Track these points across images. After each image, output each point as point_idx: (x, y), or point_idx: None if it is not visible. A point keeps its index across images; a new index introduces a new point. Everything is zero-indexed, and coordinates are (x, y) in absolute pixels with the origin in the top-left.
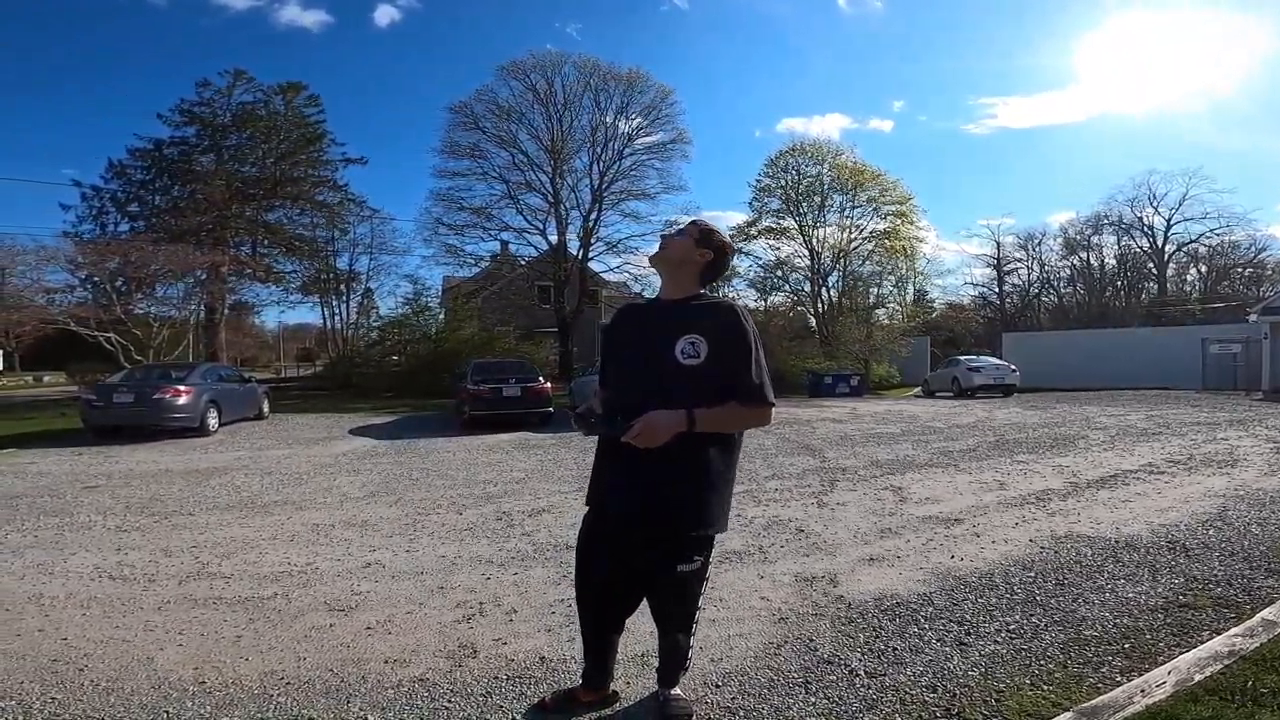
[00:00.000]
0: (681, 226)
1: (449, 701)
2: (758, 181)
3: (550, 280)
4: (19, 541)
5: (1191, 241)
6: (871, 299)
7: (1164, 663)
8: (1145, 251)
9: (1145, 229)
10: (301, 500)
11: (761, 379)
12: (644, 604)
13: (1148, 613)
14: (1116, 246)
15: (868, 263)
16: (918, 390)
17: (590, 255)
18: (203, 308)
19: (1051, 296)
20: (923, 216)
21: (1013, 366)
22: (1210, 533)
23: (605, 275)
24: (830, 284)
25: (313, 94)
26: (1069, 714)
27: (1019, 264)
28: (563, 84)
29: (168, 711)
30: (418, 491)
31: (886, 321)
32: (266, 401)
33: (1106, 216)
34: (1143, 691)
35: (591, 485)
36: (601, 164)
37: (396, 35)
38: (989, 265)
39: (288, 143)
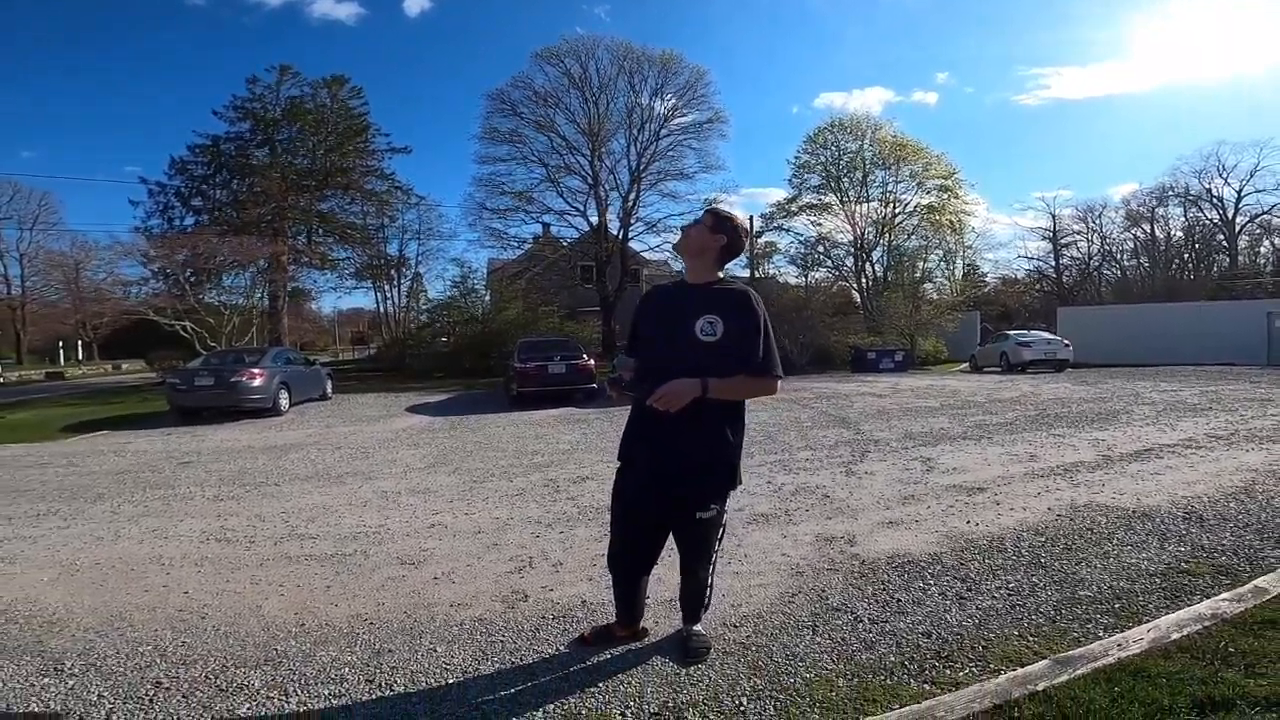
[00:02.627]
0: (698, 218)
1: (503, 637)
2: (796, 158)
3: (592, 260)
4: (133, 511)
5: (1264, 213)
6: (918, 274)
7: (1147, 622)
8: (1214, 224)
9: (1214, 200)
10: (370, 471)
11: (768, 355)
12: (673, 556)
13: (1145, 577)
14: (1183, 219)
15: (913, 237)
16: (965, 366)
17: (630, 235)
18: (266, 295)
19: (1113, 270)
20: (970, 190)
21: (1065, 341)
22: (1231, 505)
23: (645, 254)
24: (874, 259)
25: (356, 86)
26: (1046, 662)
27: (1077, 237)
28: (597, 68)
29: (276, 649)
30: (473, 462)
31: (934, 296)
32: (330, 383)
33: (1172, 188)
34: (1119, 646)
35: (623, 443)
36: (639, 145)
37: (427, 23)
38: (1044, 238)
39: (335, 134)
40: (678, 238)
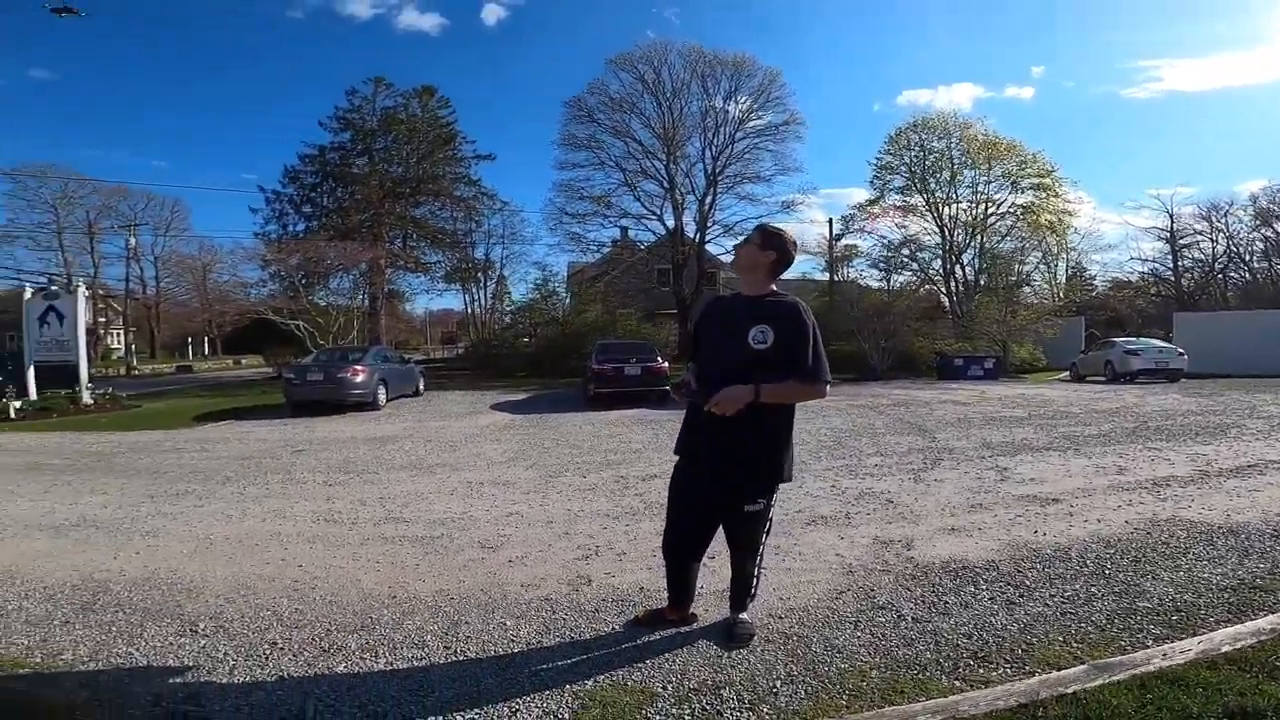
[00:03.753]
0: (747, 236)
1: (566, 615)
2: (878, 159)
3: (669, 264)
4: (256, 493)
5: None
6: (1014, 277)
7: (1201, 634)
8: None
9: None
10: (457, 463)
11: (817, 362)
12: (727, 550)
13: (1213, 591)
14: None
15: (1008, 239)
16: (1065, 374)
17: (707, 239)
18: (366, 297)
19: (1241, 273)
20: (1071, 188)
21: (1180, 350)
22: None
23: (722, 257)
24: (965, 262)
25: (443, 96)
26: (1084, 666)
27: (1199, 237)
28: (669, 72)
29: (371, 616)
30: (549, 458)
31: (1032, 301)
32: (422, 380)
33: None
34: (1164, 655)
35: (680, 438)
36: (714, 149)
37: (505, 32)
38: (1160, 238)
39: (426, 143)
40: (736, 258)
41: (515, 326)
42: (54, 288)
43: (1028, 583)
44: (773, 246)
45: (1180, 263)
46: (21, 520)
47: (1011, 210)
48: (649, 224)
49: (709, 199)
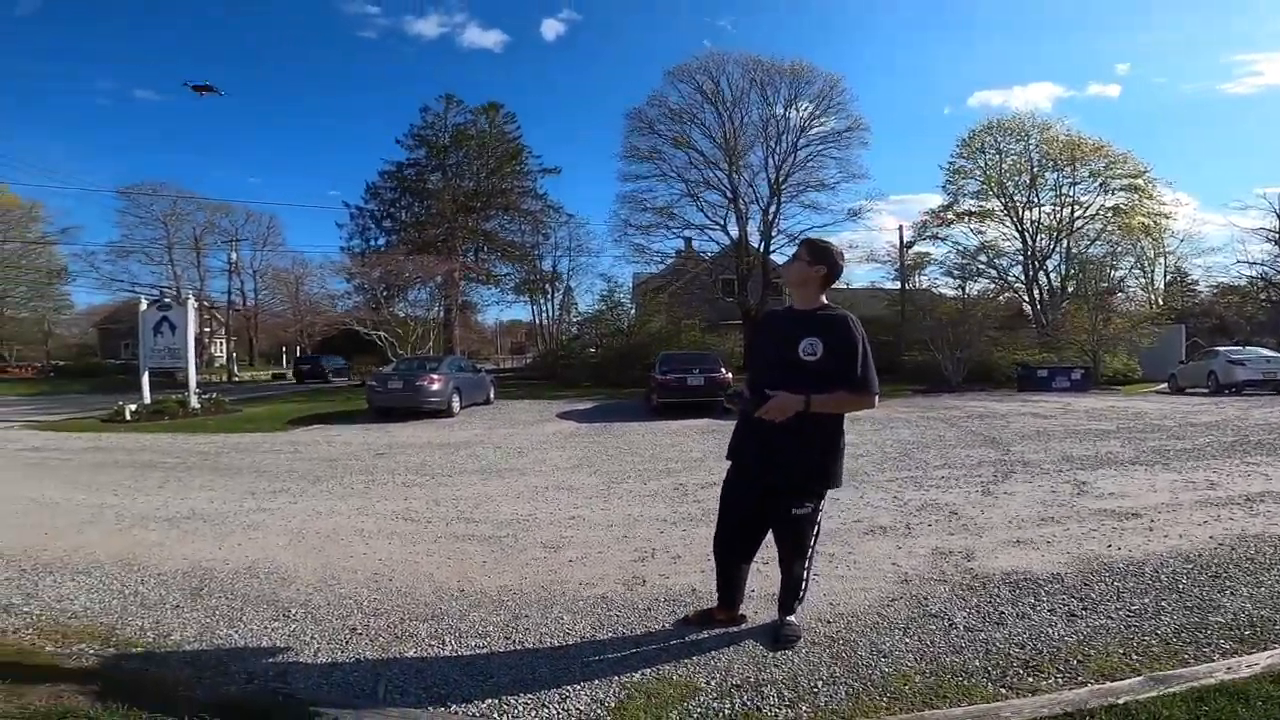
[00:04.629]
0: (795, 252)
1: (621, 612)
2: (950, 164)
3: (733, 274)
4: (343, 491)
5: None
6: (1106, 283)
7: (1273, 649)
8: None
9: None
10: (524, 468)
11: (866, 373)
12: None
13: None
14: None
15: (1097, 243)
16: (1163, 386)
17: (771, 248)
18: (441, 308)
19: None
20: (1167, 189)
21: None
22: None
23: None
24: (1049, 268)
25: (509, 111)
26: (1140, 678)
27: None
28: (728, 82)
29: (440, 608)
30: (612, 465)
31: (1126, 308)
32: (492, 389)
33: None
34: (1228, 669)
35: (732, 444)
36: (776, 157)
37: (564, 46)
38: (1270, 240)
39: (494, 158)
40: (786, 273)
41: (581, 337)
42: (167, 300)
43: (1093, 596)
44: (822, 261)
45: None
46: (139, 513)
47: (1101, 213)
48: (713, 234)
49: (773, 208)
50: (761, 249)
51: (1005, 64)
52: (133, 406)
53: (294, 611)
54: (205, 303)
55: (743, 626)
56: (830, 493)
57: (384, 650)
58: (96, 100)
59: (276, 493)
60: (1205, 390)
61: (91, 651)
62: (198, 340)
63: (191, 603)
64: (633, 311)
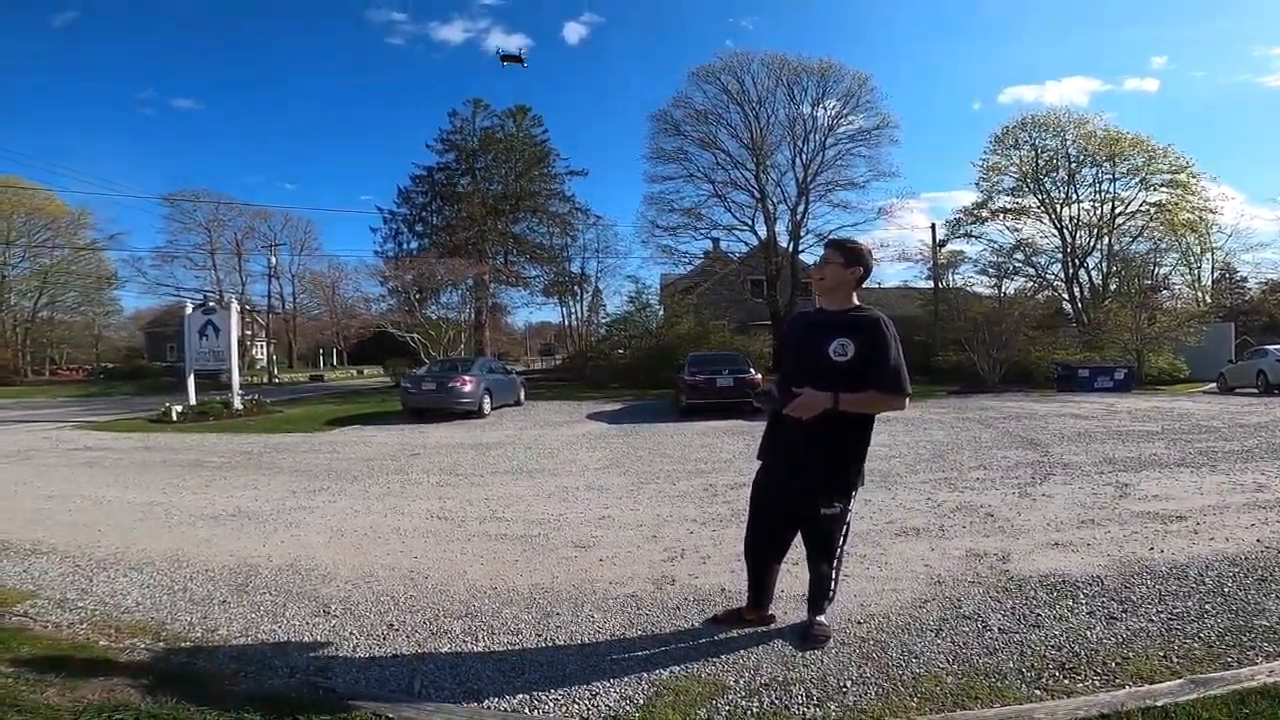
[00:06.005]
0: (823, 256)
1: (650, 611)
2: (984, 160)
3: (762, 274)
4: (379, 491)
5: None
6: (1149, 280)
7: None
8: None
9: None
10: (555, 469)
11: (898, 374)
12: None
13: None
14: None
15: (1139, 240)
16: (1211, 385)
17: (800, 248)
18: (472, 310)
19: None
20: (1212, 183)
21: None
22: None
23: (812, 267)
24: (1090, 265)
25: (536, 114)
26: (1179, 681)
27: None
28: (753, 81)
29: (474, 605)
30: (641, 465)
31: (1172, 305)
32: (522, 390)
33: None
34: (1271, 673)
35: (763, 444)
36: (804, 157)
37: (587, 49)
38: None
39: (522, 161)
40: (819, 279)
41: (610, 338)
42: (211, 304)
43: (1134, 598)
44: (858, 263)
45: None
46: (187, 510)
47: (1143, 209)
48: (740, 235)
49: (801, 208)
50: (790, 249)
51: (1037, 59)
52: (179, 408)
53: (334, 608)
54: (246, 306)
55: (771, 626)
56: (861, 494)
57: (420, 646)
58: (141, 111)
59: (316, 491)
60: (1255, 390)
61: (143, 646)
62: (240, 343)
63: (237, 598)
64: (661, 313)
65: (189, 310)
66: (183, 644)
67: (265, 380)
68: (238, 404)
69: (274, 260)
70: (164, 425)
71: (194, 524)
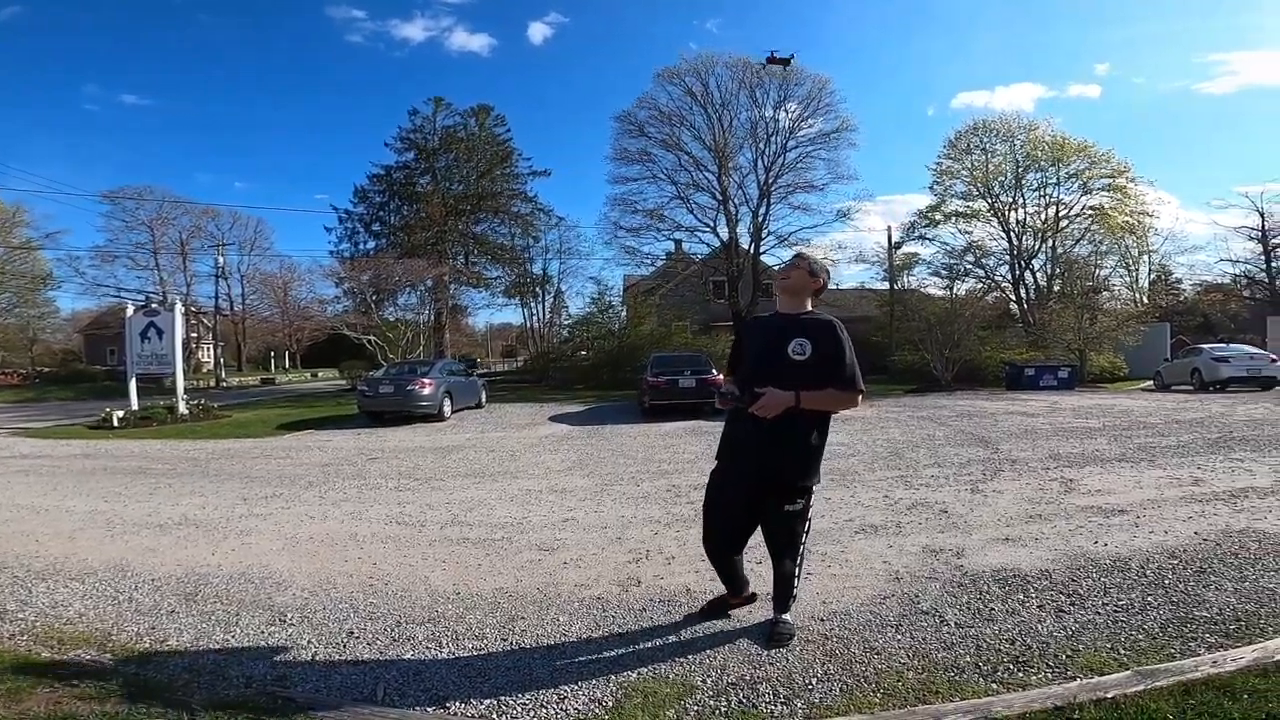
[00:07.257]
0: (791, 262)
1: (616, 613)
2: (938, 165)
3: (724, 276)
4: (336, 497)
5: None
6: (1091, 282)
7: (1257, 643)
8: None
9: None
10: (517, 471)
11: (853, 372)
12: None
13: (1278, 601)
14: None
15: (1081, 243)
16: (1149, 383)
17: (762, 250)
18: (431, 312)
19: None
20: (1150, 188)
21: (1274, 356)
22: None
23: (777, 268)
24: (1035, 268)
25: (499, 114)
26: (1127, 673)
27: None
28: (717, 84)
29: (437, 610)
30: (605, 467)
31: (1112, 306)
32: (484, 392)
33: None
34: (1214, 663)
35: (721, 444)
36: (765, 159)
37: (552, 49)
38: (1252, 238)
39: (484, 161)
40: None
41: (573, 340)
42: (154, 305)
43: (1080, 591)
44: (821, 275)
45: (1274, 263)
46: (130, 519)
47: (1084, 213)
48: (703, 236)
49: (763, 210)
50: (751, 250)
51: (987, 65)
52: (120, 413)
53: (290, 616)
54: (192, 308)
55: (735, 625)
56: (821, 492)
57: (382, 653)
58: (84, 105)
59: (269, 498)
60: (1190, 387)
61: (88, 657)
62: (185, 345)
63: (186, 608)
64: (623, 314)
65: (130, 311)
66: (131, 654)
67: (213, 384)
68: (183, 409)
69: (222, 260)
70: (105, 431)
71: (138, 533)
